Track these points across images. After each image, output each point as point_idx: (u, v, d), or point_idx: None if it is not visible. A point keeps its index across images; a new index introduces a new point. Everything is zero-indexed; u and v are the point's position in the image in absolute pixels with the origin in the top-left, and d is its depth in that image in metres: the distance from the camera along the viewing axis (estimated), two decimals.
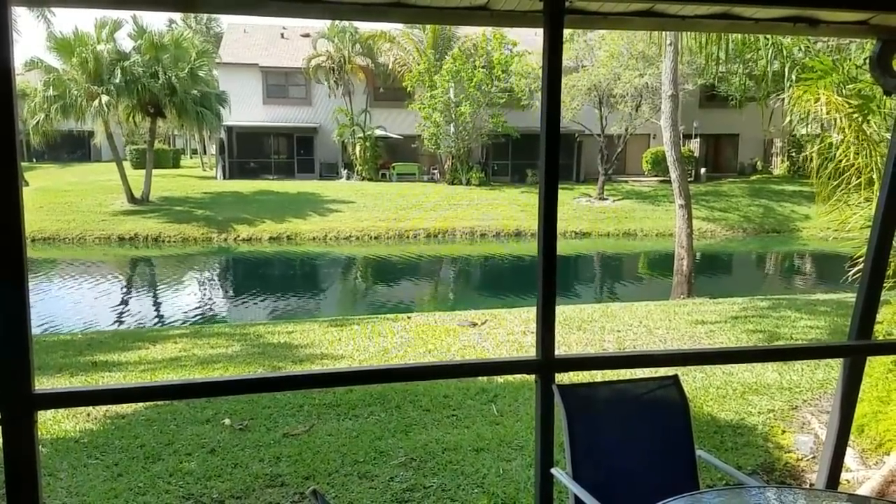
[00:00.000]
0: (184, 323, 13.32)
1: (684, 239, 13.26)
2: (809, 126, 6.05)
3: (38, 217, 23.65)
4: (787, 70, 6.09)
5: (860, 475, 4.13)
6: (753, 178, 33.88)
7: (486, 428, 5.11)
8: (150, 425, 5.18)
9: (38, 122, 24.72)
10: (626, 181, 32.88)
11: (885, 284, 3.68)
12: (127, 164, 31.19)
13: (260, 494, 4.04)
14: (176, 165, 41.13)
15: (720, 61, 6.96)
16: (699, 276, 15.67)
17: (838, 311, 9.48)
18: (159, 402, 5.60)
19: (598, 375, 5.15)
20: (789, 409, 5.47)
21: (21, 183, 2.21)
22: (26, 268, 2.20)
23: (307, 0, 2.45)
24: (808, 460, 4.51)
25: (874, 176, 5.18)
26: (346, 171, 33.12)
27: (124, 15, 27.44)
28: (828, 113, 5.30)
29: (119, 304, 15.78)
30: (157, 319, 14.20)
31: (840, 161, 5.38)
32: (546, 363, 2.75)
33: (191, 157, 49.70)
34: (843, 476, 4.04)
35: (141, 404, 5.53)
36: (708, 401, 5.65)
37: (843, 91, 5.44)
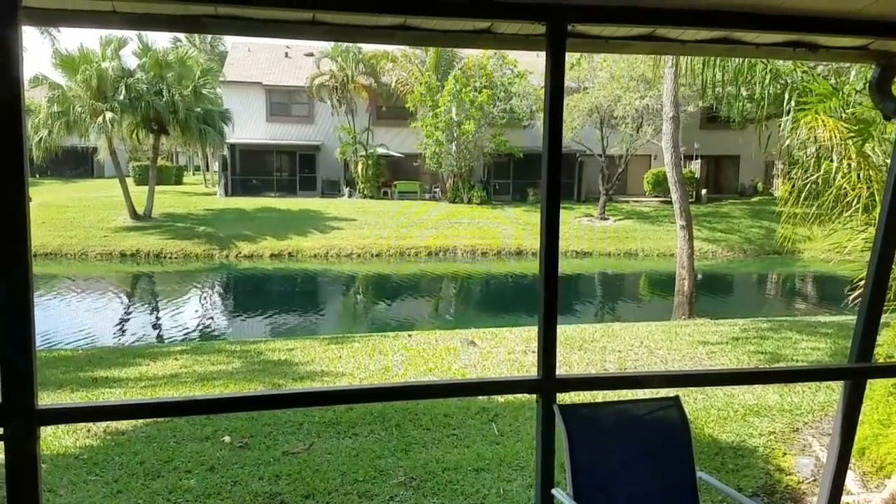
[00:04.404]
0: (185, 339, 13.30)
1: (685, 259, 13.28)
2: (807, 150, 6.09)
3: (41, 232, 23.66)
4: (787, 93, 6.13)
5: (861, 498, 4.11)
6: (754, 199, 33.91)
7: (487, 447, 5.09)
8: (150, 442, 5.17)
9: (41, 138, 24.86)
10: (627, 201, 32.95)
11: (885, 307, 3.69)
12: (130, 181, 31.26)
13: None
14: (179, 182, 41.27)
15: (719, 84, 7.01)
16: (700, 297, 15.66)
17: (840, 333, 9.46)
18: (159, 419, 5.59)
19: (600, 395, 5.15)
20: (790, 431, 5.45)
21: (28, 197, 2.23)
22: (31, 282, 2.22)
23: (314, 22, 2.48)
24: (808, 483, 4.50)
25: (875, 198, 5.20)
26: (347, 188, 33.21)
27: (129, 33, 27.65)
28: (829, 139, 5.33)
29: (119, 320, 15.78)
30: (157, 336, 14.19)
31: (825, 183, 5.42)
32: (547, 383, 2.75)
33: (193, 174, 49.90)
34: (844, 499, 4.02)
35: (140, 421, 5.51)
36: (709, 422, 5.63)
37: (843, 115, 5.48)
